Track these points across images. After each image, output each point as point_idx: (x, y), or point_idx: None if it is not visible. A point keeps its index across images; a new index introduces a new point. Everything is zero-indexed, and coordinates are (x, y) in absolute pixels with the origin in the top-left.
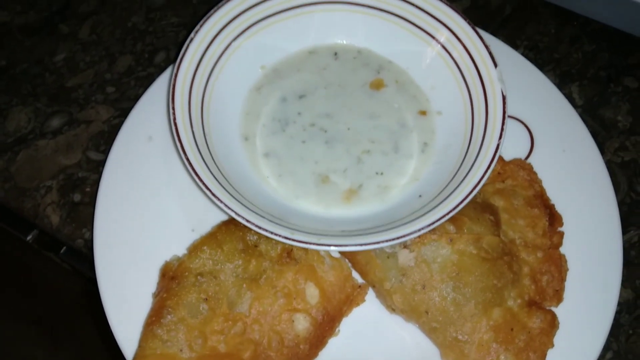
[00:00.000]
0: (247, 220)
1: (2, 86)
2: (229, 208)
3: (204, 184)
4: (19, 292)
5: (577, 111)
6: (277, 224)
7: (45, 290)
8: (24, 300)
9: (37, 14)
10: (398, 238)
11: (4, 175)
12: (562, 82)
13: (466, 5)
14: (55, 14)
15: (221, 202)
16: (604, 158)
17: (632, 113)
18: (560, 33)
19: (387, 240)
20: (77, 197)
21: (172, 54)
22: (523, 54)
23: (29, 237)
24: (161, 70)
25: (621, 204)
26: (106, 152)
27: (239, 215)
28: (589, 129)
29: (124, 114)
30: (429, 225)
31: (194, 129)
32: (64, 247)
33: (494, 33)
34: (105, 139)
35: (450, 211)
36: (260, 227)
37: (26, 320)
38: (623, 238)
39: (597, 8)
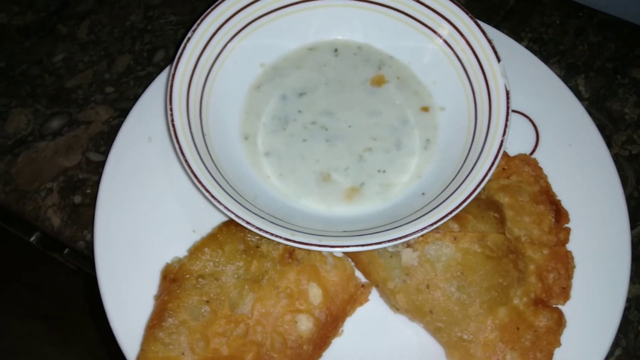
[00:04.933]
0: (247, 222)
1: (2, 88)
2: (229, 210)
3: (203, 186)
4: (26, 290)
5: (583, 104)
6: (277, 225)
7: (52, 288)
8: (32, 298)
9: (34, 15)
10: (400, 238)
11: (4, 178)
12: (568, 74)
13: None
14: (53, 14)
15: (221, 204)
16: (611, 152)
17: None
18: (565, 24)
19: (389, 241)
20: (77, 198)
21: (171, 52)
22: (527, 47)
23: (32, 239)
24: (160, 69)
25: (629, 198)
26: (106, 153)
27: (239, 217)
28: (595, 123)
29: (123, 114)
30: (432, 224)
31: (192, 130)
32: (67, 249)
33: (498, 25)
34: (105, 140)
35: (454, 210)
36: (260, 229)
37: (35, 317)
38: (631, 233)
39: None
